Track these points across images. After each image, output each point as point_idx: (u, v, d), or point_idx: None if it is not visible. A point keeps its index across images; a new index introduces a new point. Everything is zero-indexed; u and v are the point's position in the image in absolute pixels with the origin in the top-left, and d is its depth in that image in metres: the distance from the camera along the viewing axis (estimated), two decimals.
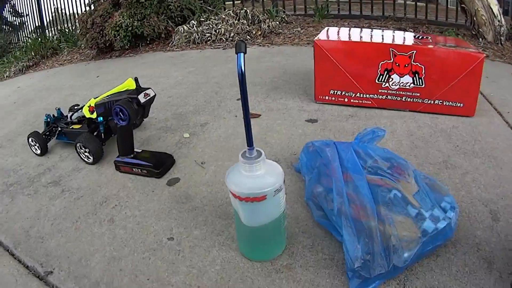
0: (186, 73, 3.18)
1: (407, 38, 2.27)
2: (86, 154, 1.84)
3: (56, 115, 2.21)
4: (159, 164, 1.67)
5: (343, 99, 2.17)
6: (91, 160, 1.83)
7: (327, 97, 2.20)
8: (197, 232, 1.30)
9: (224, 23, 4.26)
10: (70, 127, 2.03)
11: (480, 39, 3.84)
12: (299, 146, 1.73)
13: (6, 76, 5.41)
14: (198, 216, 1.38)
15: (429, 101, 2.05)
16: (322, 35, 2.20)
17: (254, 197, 0.98)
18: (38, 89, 3.77)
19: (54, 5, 7.37)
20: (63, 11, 7.34)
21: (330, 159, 1.34)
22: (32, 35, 7.38)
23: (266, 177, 1.00)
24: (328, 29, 2.44)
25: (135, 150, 1.73)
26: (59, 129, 2.09)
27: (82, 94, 3.08)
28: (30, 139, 2.08)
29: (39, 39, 6.27)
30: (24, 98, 3.48)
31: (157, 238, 1.30)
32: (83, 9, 6.71)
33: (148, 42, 4.52)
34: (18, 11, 8.37)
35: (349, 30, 2.45)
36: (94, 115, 1.82)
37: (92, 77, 3.64)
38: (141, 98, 1.62)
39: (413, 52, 1.95)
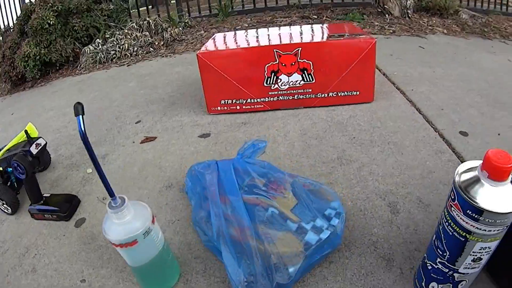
0: (91, 99, 3.14)
1: (296, 34, 2.31)
2: (4, 206, 1.83)
3: None
4: (65, 207, 1.70)
5: (235, 107, 2.20)
6: (9, 211, 1.83)
7: (219, 108, 2.22)
8: (103, 271, 1.36)
9: (128, 37, 4.27)
10: None
11: (387, 15, 3.97)
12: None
13: None
14: (103, 255, 1.43)
15: (323, 95, 2.11)
16: (209, 45, 2.22)
17: (126, 243, 1.04)
18: None
19: None
20: None
21: (208, 183, 1.40)
22: None
23: (134, 222, 1.05)
24: (215, 36, 2.48)
25: (44, 195, 1.76)
26: None
27: None
28: None
29: None
30: None
31: (72, 282, 1.34)
32: None
33: (57, 68, 4.46)
34: None
35: (235, 35, 2.48)
36: (1, 168, 1.84)
37: (7, 115, 3.55)
38: (33, 149, 1.66)
39: (298, 50, 1.99)
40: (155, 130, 2.25)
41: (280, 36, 2.31)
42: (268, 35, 2.36)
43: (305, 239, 1.14)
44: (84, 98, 3.25)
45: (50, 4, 4.29)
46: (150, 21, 4.42)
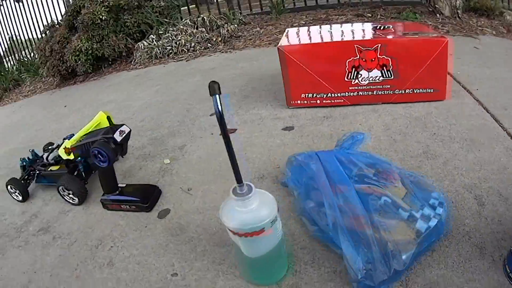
0: (153, 92, 3.11)
1: (369, 31, 2.26)
2: (70, 196, 1.77)
3: (31, 157, 2.12)
4: (146, 197, 1.63)
5: (315, 101, 2.16)
6: (76, 202, 1.77)
7: (299, 101, 2.18)
8: (198, 264, 1.29)
9: (184, 33, 4.21)
10: (49, 169, 1.95)
11: (438, 15, 3.89)
12: (280, 158, 1.72)
13: None
14: (196, 247, 1.36)
15: (401, 91, 2.06)
16: (284, 40, 2.17)
17: (253, 232, 0.98)
18: (5, 126, 3.67)
19: (8, 34, 7.19)
20: (19, 38, 7.15)
21: (316, 173, 1.35)
22: None
23: (261, 210, 0.99)
24: (288, 31, 2.41)
25: (119, 185, 1.69)
26: (37, 172, 2.00)
27: (52, 127, 3.00)
28: (9, 187, 1.99)
29: None
30: None
31: (161, 276, 1.27)
32: (39, 34, 6.56)
33: (110, 62, 4.45)
34: None
35: (309, 30, 2.43)
36: (71, 157, 1.75)
37: (60, 108, 3.55)
38: (117, 136, 1.58)
39: (378, 46, 1.95)
40: (233, 122, 2.22)
41: (356, 32, 2.26)
42: (342, 31, 2.30)
43: (416, 227, 1.14)
44: (145, 91, 3.23)
45: (100, 0, 4.29)
46: (205, 17, 4.35)
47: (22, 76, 5.81)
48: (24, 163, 2.08)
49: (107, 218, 1.62)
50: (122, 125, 1.65)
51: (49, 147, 2.13)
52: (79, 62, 4.17)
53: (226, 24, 4.30)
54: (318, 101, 2.16)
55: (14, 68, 6.39)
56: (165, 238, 1.43)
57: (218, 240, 1.36)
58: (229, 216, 1.01)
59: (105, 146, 1.52)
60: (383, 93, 2.08)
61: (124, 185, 1.72)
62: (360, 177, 1.31)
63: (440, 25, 3.69)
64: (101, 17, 4.13)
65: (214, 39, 4.11)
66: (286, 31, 2.43)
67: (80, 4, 4.39)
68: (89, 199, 1.79)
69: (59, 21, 5.11)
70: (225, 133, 0.95)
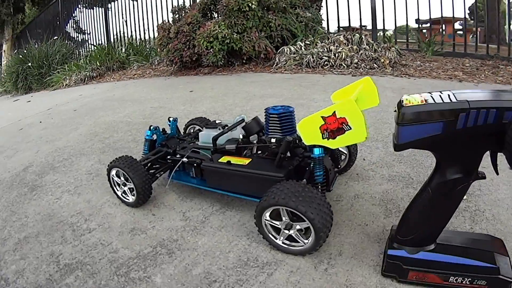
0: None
1: None
2: (294, 231, 0.88)
3: (169, 132, 1.30)
4: (504, 265, 0.75)
5: None
6: (305, 246, 0.88)
7: None
8: None
9: (343, 47, 3.48)
10: (221, 162, 1.05)
11: None
12: None
13: (66, 85, 4.91)
14: None
15: None
16: None
17: None
18: (106, 98, 3.13)
19: (123, 17, 6.68)
20: (131, 25, 6.67)
21: None
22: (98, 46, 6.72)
23: None
24: None
25: None
26: (185, 160, 1.14)
27: (178, 108, 2.38)
28: (113, 172, 1.15)
29: (106, 49, 5.62)
30: (88, 107, 2.84)
31: None
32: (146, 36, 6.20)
33: (244, 61, 3.73)
34: (81, 28, 7.77)
35: None
36: (333, 145, 0.85)
37: (182, 92, 2.94)
38: None
39: None
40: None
41: None
42: None
43: None
44: (317, 94, 2.43)
45: None
46: (363, 37, 3.62)
47: (130, 59, 5.34)
48: (155, 135, 1.24)
49: None
50: None
51: (216, 122, 1.25)
52: (211, 50, 3.48)
53: (392, 48, 3.57)
54: None
55: (123, 49, 5.90)
56: None
57: None
58: None
59: None
60: None
61: None
62: None
63: None
64: (250, 4, 3.45)
65: (382, 60, 3.34)
66: None
67: None
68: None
69: (190, 5, 4.58)
70: None
